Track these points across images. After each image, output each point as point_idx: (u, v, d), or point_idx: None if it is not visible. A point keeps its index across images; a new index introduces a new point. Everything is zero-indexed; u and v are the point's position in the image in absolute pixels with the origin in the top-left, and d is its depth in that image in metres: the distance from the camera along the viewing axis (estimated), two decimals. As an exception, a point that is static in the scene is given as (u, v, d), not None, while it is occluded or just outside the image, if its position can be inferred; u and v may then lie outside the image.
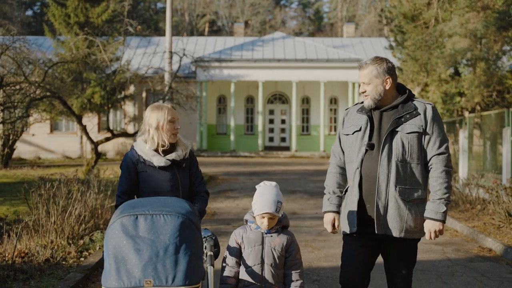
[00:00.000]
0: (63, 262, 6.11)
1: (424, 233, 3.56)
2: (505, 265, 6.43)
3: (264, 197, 3.41)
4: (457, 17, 15.14)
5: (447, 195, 3.50)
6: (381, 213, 3.50)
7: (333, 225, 3.69)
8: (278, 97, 31.16)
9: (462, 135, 13.43)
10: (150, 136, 3.69)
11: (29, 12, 56.31)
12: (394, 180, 3.48)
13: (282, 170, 19.55)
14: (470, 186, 10.29)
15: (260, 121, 28.86)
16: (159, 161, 3.66)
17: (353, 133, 3.65)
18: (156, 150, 3.69)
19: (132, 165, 3.69)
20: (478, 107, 20.50)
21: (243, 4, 56.63)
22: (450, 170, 3.55)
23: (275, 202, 3.38)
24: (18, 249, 6.19)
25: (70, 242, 6.75)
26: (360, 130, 3.62)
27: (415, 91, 20.09)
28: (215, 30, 58.16)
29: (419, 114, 3.54)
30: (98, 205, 7.81)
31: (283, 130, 31.17)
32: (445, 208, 3.48)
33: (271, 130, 31.22)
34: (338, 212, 3.70)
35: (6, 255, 6.07)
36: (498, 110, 12.89)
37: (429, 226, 3.49)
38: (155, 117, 3.68)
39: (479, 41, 17.49)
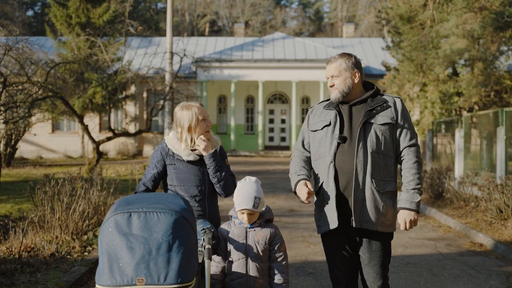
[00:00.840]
0: (68, 256, 6.33)
1: (395, 228, 3.56)
2: (495, 259, 6.65)
3: (242, 193, 3.46)
4: (455, 17, 15.33)
5: (420, 185, 3.50)
6: (358, 205, 3.46)
7: (308, 193, 3.51)
8: (278, 97, 31.39)
9: (458, 134, 13.64)
10: (183, 138, 3.77)
11: (29, 13, 56.54)
12: (371, 171, 3.46)
13: (282, 169, 19.75)
14: (465, 184, 10.50)
15: (260, 121, 29.08)
16: (188, 155, 3.75)
17: (322, 128, 3.63)
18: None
19: (161, 157, 3.81)
20: (476, 107, 20.73)
21: (243, 4, 56.85)
22: (421, 162, 3.57)
23: (253, 198, 3.42)
24: (24, 244, 6.41)
25: (74, 237, 6.98)
26: (330, 124, 3.60)
27: (413, 91, 20.34)
28: (216, 30, 58.38)
29: (390, 106, 3.57)
30: (101, 202, 8.02)
31: (283, 130, 31.40)
32: (419, 198, 3.48)
33: (271, 130, 31.44)
34: (309, 179, 3.62)
35: (13, 249, 6.29)
36: (493, 109, 13.09)
37: (404, 216, 3.46)
38: (186, 118, 3.75)
39: (477, 41, 17.69)
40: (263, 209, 3.53)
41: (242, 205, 3.44)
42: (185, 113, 3.76)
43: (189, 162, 3.77)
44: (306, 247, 7.23)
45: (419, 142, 3.70)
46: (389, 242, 3.59)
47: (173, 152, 3.79)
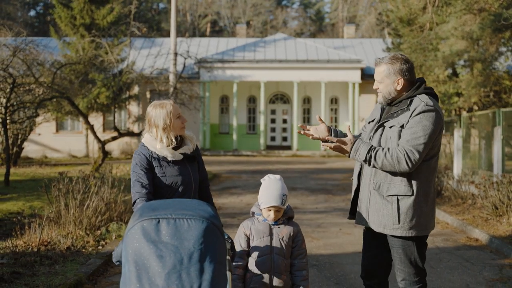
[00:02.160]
0: (83, 250, 6.67)
1: (415, 231, 3.51)
2: (489, 253, 6.99)
3: (270, 191, 3.49)
4: (454, 19, 15.64)
5: (373, 159, 3.47)
6: (362, 205, 3.63)
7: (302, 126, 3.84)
8: (280, 97, 31.71)
9: (457, 134, 13.96)
10: (158, 137, 3.66)
11: (32, 13, 56.88)
12: (374, 173, 3.56)
13: (284, 169, 20.06)
14: (463, 183, 10.83)
15: (262, 121, 29.41)
16: (172, 155, 3.67)
17: (369, 123, 3.80)
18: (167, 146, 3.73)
19: (146, 160, 3.65)
20: (475, 107, 21.03)
21: (244, 4, 57.16)
22: (394, 157, 3.42)
23: (281, 195, 3.48)
24: (41, 238, 6.74)
25: (88, 232, 7.31)
26: (373, 121, 3.75)
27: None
28: (217, 31, 58.71)
29: (409, 110, 3.49)
30: (112, 199, 8.34)
31: (284, 130, 31.72)
32: (363, 155, 3.48)
33: (273, 130, 31.77)
34: (329, 127, 3.88)
35: (30, 243, 6.63)
36: (491, 110, 13.41)
37: (343, 141, 3.58)
38: (161, 117, 3.64)
39: (476, 42, 18.00)
40: (286, 206, 3.62)
41: (271, 202, 3.48)
42: (159, 112, 3.66)
43: (173, 162, 3.69)
44: (309, 242, 7.55)
45: (418, 152, 3.49)
46: (410, 245, 3.56)
47: (157, 154, 3.66)
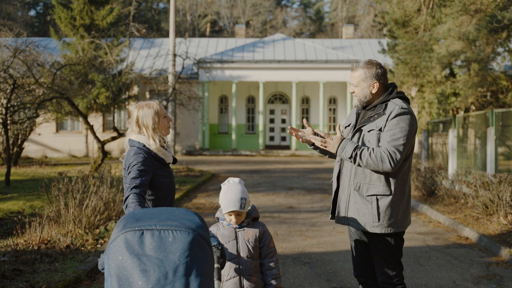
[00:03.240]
0: (82, 248, 6.85)
1: (393, 228, 3.70)
2: (478, 251, 7.17)
3: (228, 195, 3.50)
4: (451, 20, 15.80)
5: (357, 155, 3.61)
6: (342, 205, 3.79)
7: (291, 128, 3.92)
8: (279, 97, 31.89)
9: (452, 134, 14.14)
10: (150, 137, 3.62)
11: (32, 13, 57.06)
12: (354, 175, 3.73)
13: (282, 168, 20.24)
14: (456, 183, 11.00)
15: (261, 121, 29.58)
16: (170, 158, 3.67)
17: (345, 127, 3.96)
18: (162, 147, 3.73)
19: (150, 160, 3.58)
20: (473, 107, 21.22)
21: (244, 4, 57.34)
22: (374, 157, 3.58)
23: (239, 200, 3.48)
24: (41, 237, 6.92)
25: (87, 231, 7.49)
26: (349, 125, 3.91)
27: (411, 92, 20.81)
28: (217, 31, 58.90)
29: (385, 114, 3.66)
30: (110, 199, 8.52)
31: (283, 130, 31.91)
32: (349, 153, 3.63)
33: (272, 130, 31.95)
34: (315, 132, 3.96)
35: (31, 242, 6.81)
36: (486, 110, 13.58)
37: (333, 140, 3.72)
38: (149, 116, 3.63)
39: (473, 43, 18.17)
40: (249, 208, 3.63)
41: (230, 207, 3.50)
42: (146, 111, 3.64)
43: (165, 165, 3.67)
44: (303, 240, 7.73)
45: (399, 152, 3.56)
46: (389, 241, 3.75)
47: (158, 156, 3.63)
